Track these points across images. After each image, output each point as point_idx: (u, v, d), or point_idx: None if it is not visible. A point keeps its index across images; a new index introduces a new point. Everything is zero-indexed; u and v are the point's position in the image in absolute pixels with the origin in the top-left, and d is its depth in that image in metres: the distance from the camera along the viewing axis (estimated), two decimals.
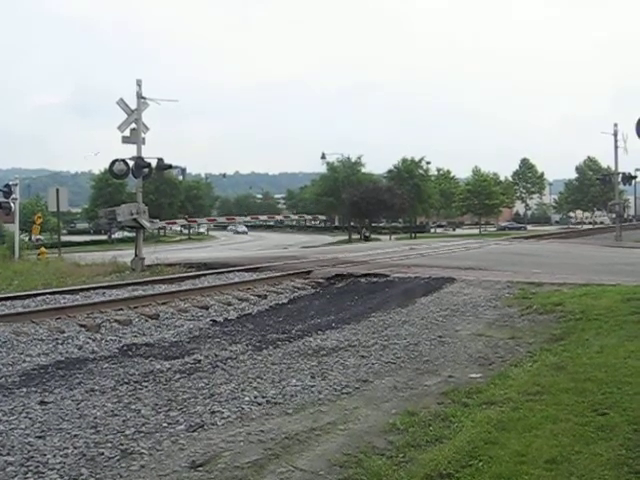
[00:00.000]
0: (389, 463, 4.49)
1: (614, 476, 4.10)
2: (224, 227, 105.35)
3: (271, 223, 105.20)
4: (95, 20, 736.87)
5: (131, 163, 19.01)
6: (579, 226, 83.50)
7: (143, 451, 4.86)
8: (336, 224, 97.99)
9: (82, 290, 13.38)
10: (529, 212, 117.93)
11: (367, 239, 59.93)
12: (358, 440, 5.00)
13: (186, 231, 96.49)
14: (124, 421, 5.52)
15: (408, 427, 5.21)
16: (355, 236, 69.68)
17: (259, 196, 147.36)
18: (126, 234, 57.45)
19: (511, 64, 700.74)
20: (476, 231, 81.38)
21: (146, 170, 19.36)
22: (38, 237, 41.07)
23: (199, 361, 7.69)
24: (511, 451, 4.53)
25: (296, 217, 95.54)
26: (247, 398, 6.17)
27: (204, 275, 16.11)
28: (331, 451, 4.81)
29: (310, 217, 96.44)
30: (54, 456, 4.73)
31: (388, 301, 12.00)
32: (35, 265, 20.26)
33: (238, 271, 16.96)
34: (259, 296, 12.99)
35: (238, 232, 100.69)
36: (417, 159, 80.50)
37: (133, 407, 5.91)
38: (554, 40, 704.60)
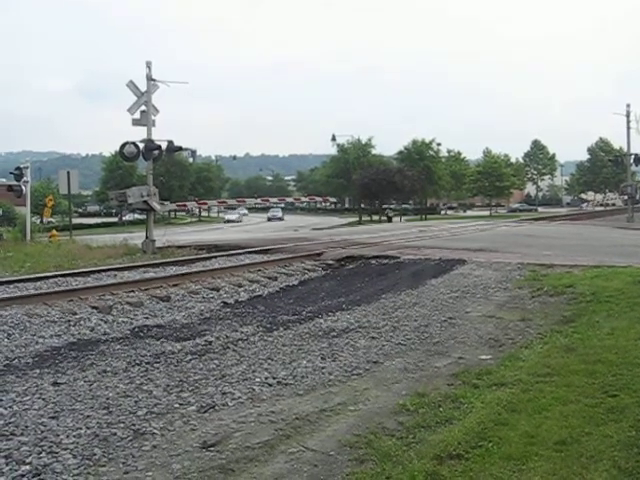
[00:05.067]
0: (399, 444, 4.52)
1: (624, 457, 4.10)
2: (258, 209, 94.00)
3: (282, 205, 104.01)
4: (104, 4, 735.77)
5: (141, 145, 19.02)
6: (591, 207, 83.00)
7: (155, 431, 4.90)
8: (346, 206, 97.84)
9: (93, 272, 13.45)
10: (540, 194, 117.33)
11: (390, 219, 59.97)
12: (368, 421, 5.03)
13: (205, 213, 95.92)
14: (136, 402, 5.56)
15: (418, 408, 5.23)
16: (365, 218, 69.64)
17: (269, 178, 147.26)
18: (137, 216, 57.60)
19: (522, 45, 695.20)
20: (487, 213, 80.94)
21: (156, 152, 19.37)
22: (49, 219, 41.33)
23: (210, 342, 7.72)
24: (521, 432, 4.54)
25: (306, 199, 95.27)
26: (258, 379, 6.20)
27: (215, 257, 16.15)
28: (341, 432, 4.83)
29: (320, 199, 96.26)
30: (67, 436, 4.77)
31: (398, 283, 12.00)
32: (47, 247, 20.34)
33: (249, 253, 16.99)
34: (270, 278, 13.02)
35: (270, 219, 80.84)
36: (428, 140, 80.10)
37: (145, 388, 5.96)
38: (563, 20, 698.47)
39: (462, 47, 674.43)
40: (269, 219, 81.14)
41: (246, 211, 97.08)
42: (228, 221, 79.67)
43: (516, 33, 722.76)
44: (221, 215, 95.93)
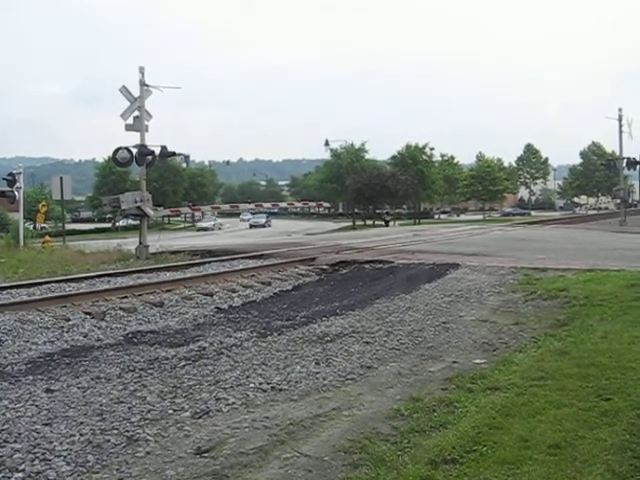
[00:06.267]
0: (393, 449, 4.51)
1: (618, 461, 4.11)
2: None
3: (275, 210, 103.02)
4: (101, 9, 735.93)
5: (134, 151, 19.00)
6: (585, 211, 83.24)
7: (149, 438, 4.89)
8: (340, 211, 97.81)
9: (87, 278, 13.43)
10: (533, 198, 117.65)
11: (387, 224, 59.96)
12: (362, 426, 5.02)
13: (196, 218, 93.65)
14: (130, 408, 5.54)
15: (412, 413, 5.23)
16: (359, 222, 69.69)
17: (263, 183, 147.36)
18: (130, 222, 57.40)
19: (514, 49, 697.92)
20: (480, 217, 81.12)
21: (149, 158, 19.35)
22: (42, 225, 41.15)
23: (204, 348, 7.71)
24: (515, 436, 4.55)
25: (300, 204, 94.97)
26: (252, 385, 6.19)
27: (208, 262, 16.17)
28: (336, 437, 4.83)
29: (314, 204, 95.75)
30: (60, 443, 4.75)
31: (392, 287, 12.00)
32: (40, 253, 20.31)
33: (242, 258, 16.99)
34: (263, 283, 13.01)
35: (253, 226, 74.05)
36: (421, 145, 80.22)
37: (139, 394, 5.94)
38: (555, 23, 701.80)
39: (455, 52, 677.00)
40: (251, 226, 74.07)
41: (251, 216, 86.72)
42: (201, 229, 69.88)
43: (515, 35, 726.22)
44: (218, 220, 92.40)
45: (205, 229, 69.70)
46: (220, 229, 72.13)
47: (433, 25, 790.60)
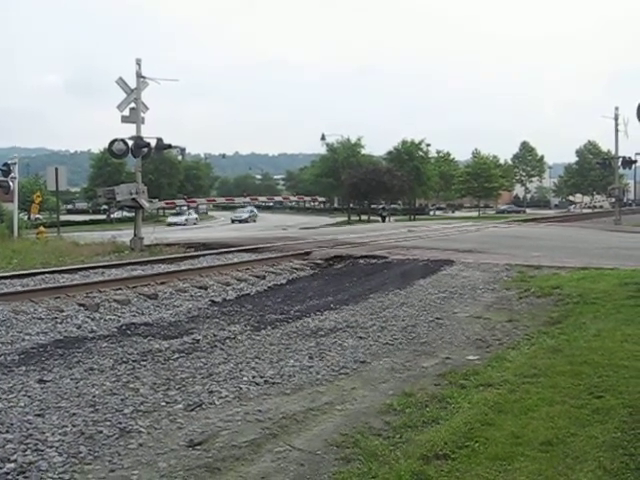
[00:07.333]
0: (386, 443, 4.52)
1: (609, 458, 4.12)
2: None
3: (270, 204, 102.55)
4: (99, 1, 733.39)
5: (130, 142, 18.97)
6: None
7: (141, 430, 4.89)
8: (335, 205, 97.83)
9: (81, 269, 13.40)
10: (528, 195, 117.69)
11: (383, 219, 59.92)
12: (355, 420, 5.03)
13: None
14: (123, 400, 5.54)
15: (405, 408, 5.24)
16: (354, 217, 69.67)
17: (258, 177, 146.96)
18: (125, 214, 57.18)
19: (512, 48, 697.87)
20: (475, 214, 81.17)
21: (145, 150, 19.32)
22: (37, 216, 41.02)
23: (198, 341, 7.71)
24: (507, 433, 4.56)
25: (295, 198, 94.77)
26: (245, 378, 6.19)
27: (203, 255, 16.15)
28: (328, 431, 4.83)
29: (309, 198, 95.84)
30: (53, 434, 4.75)
31: (386, 283, 12.01)
32: (34, 244, 20.25)
33: (237, 252, 16.98)
34: (258, 277, 13.01)
35: (234, 221, 68.50)
36: (417, 141, 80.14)
37: (132, 386, 5.94)
38: (555, 23, 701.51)
39: (452, 50, 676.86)
40: (232, 221, 68.53)
41: (252, 208, 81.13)
42: (172, 224, 60.67)
43: (515, 35, 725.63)
44: (212, 214, 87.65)
45: (176, 224, 61.29)
46: (195, 224, 65.21)
47: (433, 25, 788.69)
